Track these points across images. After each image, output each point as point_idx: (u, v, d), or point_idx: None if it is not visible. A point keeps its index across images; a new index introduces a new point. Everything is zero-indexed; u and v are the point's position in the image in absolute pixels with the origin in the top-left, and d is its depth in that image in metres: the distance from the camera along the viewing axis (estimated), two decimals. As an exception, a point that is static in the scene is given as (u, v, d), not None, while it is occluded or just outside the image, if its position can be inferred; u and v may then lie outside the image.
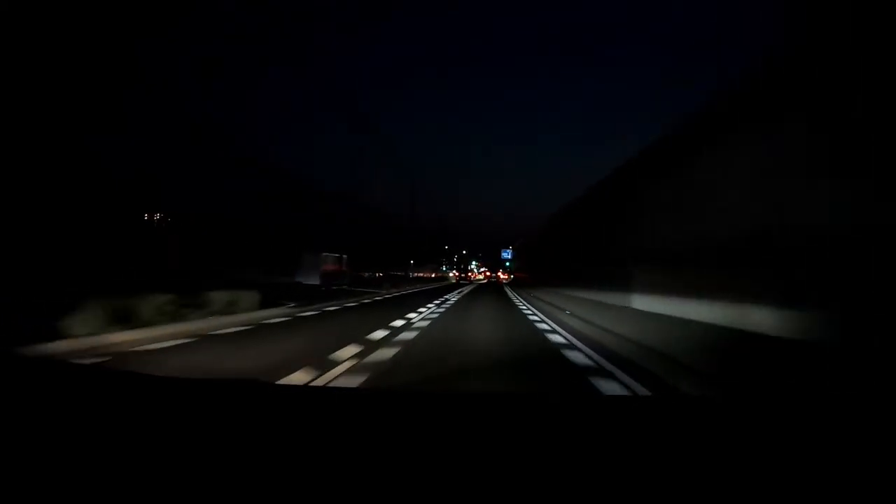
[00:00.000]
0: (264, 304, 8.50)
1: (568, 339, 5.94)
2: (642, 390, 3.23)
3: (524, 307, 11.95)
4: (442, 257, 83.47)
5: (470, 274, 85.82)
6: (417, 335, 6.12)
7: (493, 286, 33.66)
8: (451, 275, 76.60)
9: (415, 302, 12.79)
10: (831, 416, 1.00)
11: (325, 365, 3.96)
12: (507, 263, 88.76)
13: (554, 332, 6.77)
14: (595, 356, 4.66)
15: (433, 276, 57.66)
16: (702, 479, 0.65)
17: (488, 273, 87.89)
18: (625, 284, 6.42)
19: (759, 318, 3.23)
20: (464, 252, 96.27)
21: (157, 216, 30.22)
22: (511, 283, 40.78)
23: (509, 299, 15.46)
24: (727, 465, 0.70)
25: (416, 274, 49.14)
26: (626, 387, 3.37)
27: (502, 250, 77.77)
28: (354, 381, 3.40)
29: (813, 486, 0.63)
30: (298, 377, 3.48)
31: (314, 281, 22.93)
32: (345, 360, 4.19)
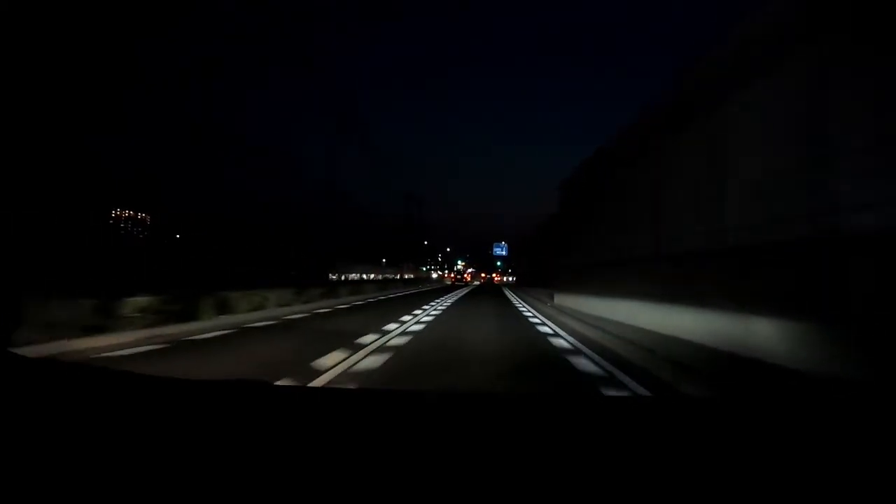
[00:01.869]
0: None
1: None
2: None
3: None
4: (424, 255, 75.29)
5: (467, 276, 77.13)
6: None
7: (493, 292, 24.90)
8: (434, 276, 69.09)
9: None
10: (834, 416, 0.99)
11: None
12: (499, 263, 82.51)
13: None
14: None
15: (399, 277, 40.73)
16: (705, 479, 0.64)
17: (484, 275, 79.35)
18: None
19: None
20: (448, 250, 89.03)
21: None
22: (514, 287, 33.43)
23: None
24: (730, 465, 0.69)
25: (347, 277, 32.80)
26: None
27: (494, 245, 68.91)
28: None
29: (815, 486, 0.62)
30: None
31: None
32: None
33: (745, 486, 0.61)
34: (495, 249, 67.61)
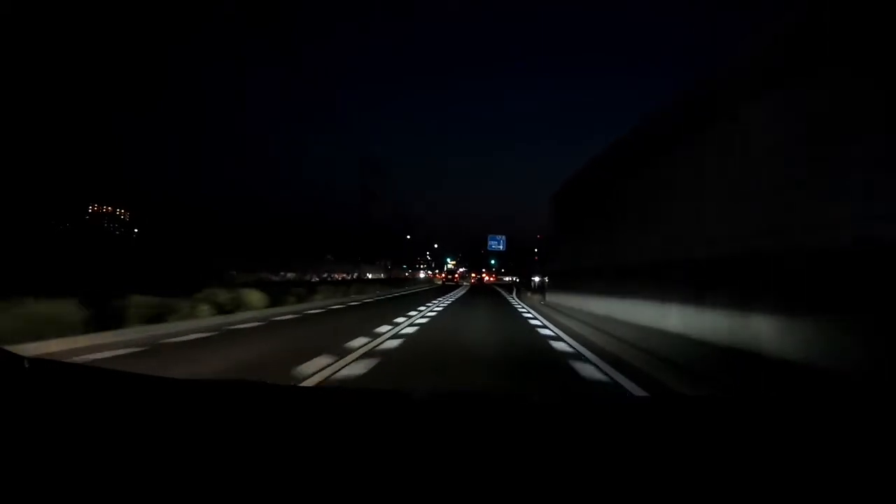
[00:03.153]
0: None
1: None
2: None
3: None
4: (411, 253, 63.63)
5: (456, 276, 67.85)
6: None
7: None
8: (422, 276, 57.97)
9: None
10: (835, 414, 0.98)
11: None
12: (493, 261, 71.85)
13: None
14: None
15: (354, 278, 26.49)
16: (705, 480, 0.62)
17: (475, 275, 74.20)
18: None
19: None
20: (435, 246, 78.15)
21: None
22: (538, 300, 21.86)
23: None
24: (731, 465, 0.68)
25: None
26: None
27: (489, 238, 56.24)
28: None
29: (818, 485, 0.61)
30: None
31: None
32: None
33: (741, 488, 0.60)
34: (490, 243, 55.04)
